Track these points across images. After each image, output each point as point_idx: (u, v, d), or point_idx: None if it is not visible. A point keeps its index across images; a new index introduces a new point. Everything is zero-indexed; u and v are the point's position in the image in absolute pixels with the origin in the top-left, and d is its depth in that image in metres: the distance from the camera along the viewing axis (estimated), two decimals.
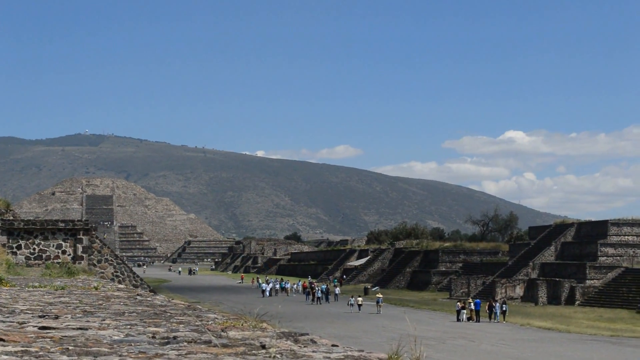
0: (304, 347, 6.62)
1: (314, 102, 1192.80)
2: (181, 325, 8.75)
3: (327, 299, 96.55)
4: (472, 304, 75.21)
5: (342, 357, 6.07)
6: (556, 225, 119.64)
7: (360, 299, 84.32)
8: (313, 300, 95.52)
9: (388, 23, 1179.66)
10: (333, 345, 6.73)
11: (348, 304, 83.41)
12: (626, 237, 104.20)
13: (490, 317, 72.10)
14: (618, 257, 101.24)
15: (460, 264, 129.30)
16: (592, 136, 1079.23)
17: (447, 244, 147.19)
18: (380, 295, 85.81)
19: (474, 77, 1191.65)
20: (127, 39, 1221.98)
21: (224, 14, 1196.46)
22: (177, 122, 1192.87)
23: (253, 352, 6.37)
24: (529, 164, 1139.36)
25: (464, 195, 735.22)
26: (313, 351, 6.34)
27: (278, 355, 6.09)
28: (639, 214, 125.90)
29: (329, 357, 6.02)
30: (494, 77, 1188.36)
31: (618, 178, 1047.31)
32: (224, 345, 6.79)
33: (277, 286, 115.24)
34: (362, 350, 6.44)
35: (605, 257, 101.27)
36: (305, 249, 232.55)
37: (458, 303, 76.24)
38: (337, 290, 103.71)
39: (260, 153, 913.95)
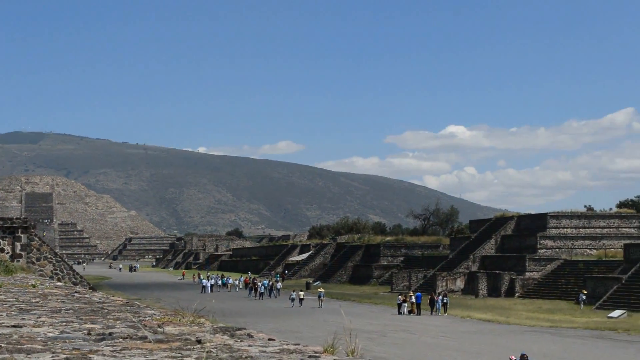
0: (240, 341, 6.62)
1: (255, 97, 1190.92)
2: (118, 322, 8.70)
3: (270, 295, 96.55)
4: (413, 297, 75.70)
5: (278, 350, 6.08)
6: (496, 219, 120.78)
7: (302, 293, 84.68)
8: (256, 295, 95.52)
9: (328, 17, 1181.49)
10: (270, 340, 6.74)
11: (289, 299, 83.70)
12: (565, 229, 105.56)
13: (432, 310, 72.59)
14: (557, 250, 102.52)
15: (402, 258, 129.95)
16: (532, 130, 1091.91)
17: (388, 238, 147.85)
18: (322, 290, 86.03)
19: (415, 72, 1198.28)
20: (65, 36, 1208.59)
21: (162, 11, 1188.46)
22: (118, 119, 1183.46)
23: (188, 347, 6.36)
24: (470, 158, 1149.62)
25: (405, 190, 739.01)
26: (249, 345, 6.35)
27: (213, 350, 6.08)
28: (578, 206, 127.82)
29: (265, 351, 6.03)
30: (435, 72, 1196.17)
31: (557, 171, 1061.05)
32: (160, 341, 6.76)
33: (220, 282, 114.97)
34: (299, 344, 6.45)
35: (545, 250, 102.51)
36: (247, 244, 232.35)
37: (399, 296, 76.68)
38: (279, 285, 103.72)
39: (201, 149, 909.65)
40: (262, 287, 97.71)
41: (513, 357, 28.51)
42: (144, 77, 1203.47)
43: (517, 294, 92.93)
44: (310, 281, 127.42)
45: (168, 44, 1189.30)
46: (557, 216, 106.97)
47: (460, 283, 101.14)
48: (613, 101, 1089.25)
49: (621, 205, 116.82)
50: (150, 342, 6.74)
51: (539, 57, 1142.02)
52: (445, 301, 72.75)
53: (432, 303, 73.50)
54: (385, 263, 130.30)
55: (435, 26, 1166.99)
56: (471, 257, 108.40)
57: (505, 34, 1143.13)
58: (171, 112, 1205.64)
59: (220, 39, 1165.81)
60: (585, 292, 79.02)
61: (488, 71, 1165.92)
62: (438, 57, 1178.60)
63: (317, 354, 6.00)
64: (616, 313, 67.04)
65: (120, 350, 6.25)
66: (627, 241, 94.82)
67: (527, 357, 28.53)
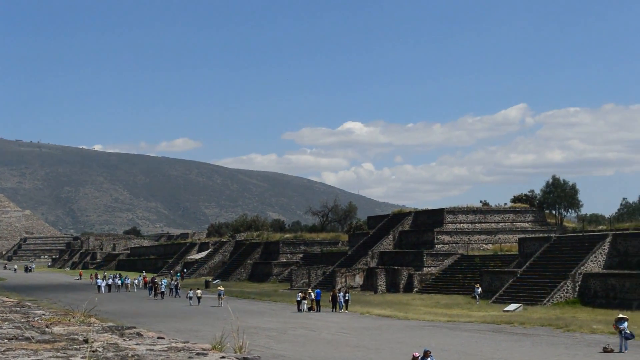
0: (129, 340, 6.31)
1: (151, 94, 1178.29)
2: (5, 323, 8.36)
3: (176, 294, 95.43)
4: (312, 294, 75.71)
5: (166, 348, 5.80)
6: (394, 215, 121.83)
7: (199, 292, 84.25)
8: (156, 295, 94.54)
9: (225, 14, 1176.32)
10: (159, 338, 6.45)
11: (187, 297, 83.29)
12: (461, 224, 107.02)
13: (334, 308, 72.57)
14: (454, 245, 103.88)
15: (301, 255, 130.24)
16: (428, 126, 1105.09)
17: (287, 235, 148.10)
18: (222, 288, 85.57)
19: (311, 68, 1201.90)
20: None
21: (57, 12, 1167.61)
22: (11, 116, 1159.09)
23: (74, 346, 6.06)
24: (367, 155, 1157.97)
25: (304, 187, 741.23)
26: (137, 344, 6.05)
27: (99, 349, 5.76)
28: (474, 201, 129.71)
29: (152, 350, 5.75)
30: (331, 69, 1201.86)
31: (453, 167, 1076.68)
32: (46, 341, 6.45)
33: (118, 282, 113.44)
34: (187, 342, 6.18)
35: (442, 245, 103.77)
36: (145, 243, 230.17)
37: (299, 293, 76.62)
38: (174, 284, 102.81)
39: (97, 147, 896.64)
40: (163, 286, 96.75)
41: (416, 353, 28.52)
42: (38, 73, 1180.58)
43: (415, 289, 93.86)
44: (210, 279, 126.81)
45: (63, 40, 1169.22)
46: (454, 211, 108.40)
47: (359, 279, 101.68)
48: (506, 97, 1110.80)
49: (515, 200, 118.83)
50: (37, 342, 6.42)
51: (434, 53, 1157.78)
52: (347, 298, 72.88)
53: (334, 300, 73.48)
54: (285, 260, 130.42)
55: (330, 23, 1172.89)
56: (370, 253, 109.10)
57: (399, 30, 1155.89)
58: (66, 109, 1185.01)
59: (116, 35, 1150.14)
60: (479, 286, 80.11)
61: (384, 67, 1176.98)
62: (333, 54, 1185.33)
63: (205, 352, 5.75)
64: (512, 306, 68.14)
65: (4, 351, 5.96)
66: (522, 235, 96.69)
67: (430, 353, 28.60)
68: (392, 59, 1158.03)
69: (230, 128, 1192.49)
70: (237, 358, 5.51)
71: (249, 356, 5.77)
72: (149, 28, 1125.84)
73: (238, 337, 6.24)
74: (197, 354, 5.66)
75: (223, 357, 5.61)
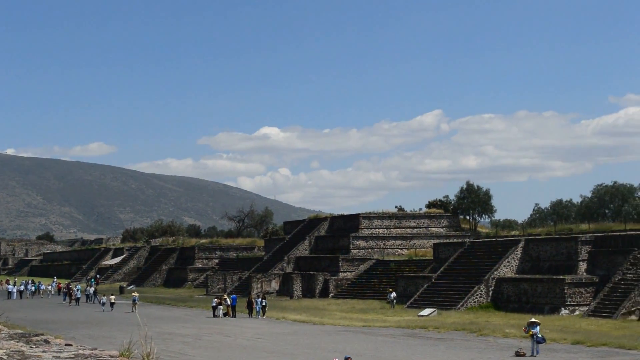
0: (35, 347, 6.13)
1: (65, 97, 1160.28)
2: None
3: (96, 299, 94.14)
4: (228, 299, 75.40)
5: (73, 356, 5.65)
6: (310, 220, 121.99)
7: (112, 297, 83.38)
8: (71, 301, 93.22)
9: (138, 16, 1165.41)
10: (67, 345, 6.27)
11: (100, 303, 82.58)
12: (377, 229, 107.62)
13: (250, 313, 72.29)
14: (369, 250, 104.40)
15: (217, 260, 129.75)
16: (345, 132, 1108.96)
17: (203, 241, 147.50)
18: (136, 294, 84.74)
19: (226, 73, 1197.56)
20: None
21: None
22: None
23: None
24: (283, 160, 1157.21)
25: (220, 192, 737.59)
26: (43, 351, 5.88)
27: (4, 357, 5.57)
28: (389, 207, 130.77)
29: (59, 357, 5.59)
30: (247, 73, 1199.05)
31: (369, 172, 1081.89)
32: None
33: (32, 288, 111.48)
34: (95, 349, 6.03)
35: (358, 250, 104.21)
36: (59, 248, 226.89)
37: (214, 299, 76.27)
38: (92, 290, 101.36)
39: (10, 151, 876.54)
40: (78, 292, 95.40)
41: (336, 359, 28.54)
42: None
43: (331, 295, 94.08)
44: (125, 285, 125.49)
45: None
46: (369, 217, 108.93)
47: (275, 284, 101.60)
48: (422, 103, 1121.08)
49: (430, 205, 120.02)
50: None
51: (350, 58, 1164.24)
52: (264, 304, 72.65)
53: (250, 306, 73.21)
54: (200, 266, 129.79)
55: (246, 26, 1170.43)
56: (286, 258, 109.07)
57: (315, 34, 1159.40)
58: None
59: (27, 35, 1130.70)
60: (391, 290, 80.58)
61: (300, 72, 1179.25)
62: (249, 58, 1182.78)
63: (112, 358, 5.60)
64: (426, 311, 68.71)
65: None
66: (436, 240, 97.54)
67: (350, 359, 28.61)
68: (308, 64, 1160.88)
69: (146, 133, 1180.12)
70: None
71: None
72: (62, 28, 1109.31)
73: (146, 343, 6.11)
74: None
75: None
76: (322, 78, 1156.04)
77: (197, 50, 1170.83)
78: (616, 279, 64.89)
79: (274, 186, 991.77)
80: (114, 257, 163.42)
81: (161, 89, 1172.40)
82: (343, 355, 31.34)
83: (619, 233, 74.68)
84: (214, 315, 72.30)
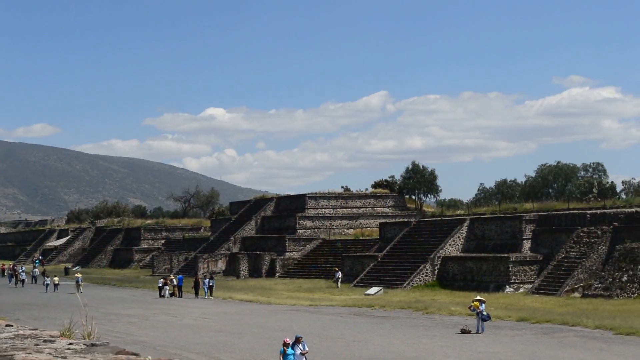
0: None
1: (7, 78, 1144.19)
2: None
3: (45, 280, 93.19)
4: (174, 280, 75.11)
5: (13, 336, 5.53)
6: (256, 200, 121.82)
7: (56, 279, 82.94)
8: (17, 283, 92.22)
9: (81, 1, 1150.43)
10: (7, 325, 6.15)
11: (44, 284, 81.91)
12: (323, 209, 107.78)
13: (197, 294, 72.00)
14: (316, 230, 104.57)
15: (163, 241, 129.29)
16: (290, 113, 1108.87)
17: (149, 222, 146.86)
18: (80, 275, 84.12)
19: (169, 53, 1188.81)
20: None
21: None
22: None
23: None
24: (229, 141, 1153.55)
25: (165, 173, 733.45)
26: None
27: None
28: (335, 187, 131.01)
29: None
30: (192, 53, 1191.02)
31: (315, 153, 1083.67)
32: None
33: None
34: (36, 329, 5.91)
35: (304, 230, 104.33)
36: (3, 230, 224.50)
37: (160, 279, 75.94)
38: (37, 271, 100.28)
39: None
40: (23, 273, 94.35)
41: (288, 339, 28.45)
42: None
43: (277, 274, 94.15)
44: (70, 266, 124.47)
45: None
46: (315, 197, 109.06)
47: (221, 265, 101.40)
48: (367, 84, 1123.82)
49: (376, 185, 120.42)
50: None
51: (296, 39, 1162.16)
52: (211, 284, 72.37)
53: (196, 286, 72.94)
54: (146, 246, 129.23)
55: (192, 6, 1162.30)
56: (232, 238, 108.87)
57: (262, 14, 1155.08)
58: None
59: None
60: (337, 269, 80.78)
61: (246, 53, 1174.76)
62: (194, 39, 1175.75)
63: (53, 338, 5.51)
64: (373, 290, 68.98)
65: None
66: (382, 220, 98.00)
67: (301, 339, 28.55)
68: (254, 44, 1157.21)
69: (90, 113, 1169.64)
70: (85, 344, 5.31)
71: (97, 342, 5.57)
72: (4, 9, 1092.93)
73: (87, 323, 6.01)
74: (45, 340, 5.42)
75: (71, 343, 5.38)
76: (268, 59, 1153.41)
77: (141, 31, 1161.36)
78: (559, 257, 65.68)
79: (220, 167, 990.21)
80: (58, 238, 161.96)
81: (106, 70, 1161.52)
82: (293, 334, 31.33)
83: (562, 212, 75.56)
84: (160, 296, 71.99)
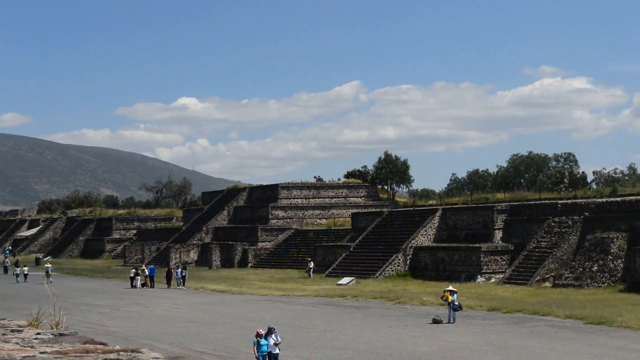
0: None
1: None
2: None
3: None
4: (146, 270, 74.87)
5: None
6: (229, 190, 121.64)
7: (25, 269, 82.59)
8: None
9: None
10: None
11: (14, 275, 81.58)
12: (295, 200, 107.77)
13: (169, 284, 71.77)
14: (288, 220, 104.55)
15: (135, 231, 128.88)
16: (263, 102, 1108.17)
17: (121, 212, 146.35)
18: (50, 265, 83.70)
19: (142, 43, 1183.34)
20: None
21: None
22: None
23: None
24: (202, 130, 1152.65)
25: (138, 163, 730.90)
26: None
27: None
28: (308, 177, 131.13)
29: None
30: (165, 43, 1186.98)
31: (288, 143, 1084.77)
32: None
33: None
34: (4, 318, 5.86)
35: (276, 220, 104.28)
36: None
37: (132, 270, 75.67)
38: (8, 262, 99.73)
39: None
40: None
41: (260, 330, 28.42)
42: None
43: (250, 264, 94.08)
44: (41, 256, 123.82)
45: None
46: (288, 187, 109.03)
47: (194, 255, 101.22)
48: (340, 74, 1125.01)
49: (349, 175, 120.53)
50: None
51: (268, 29, 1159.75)
52: (184, 274, 72.17)
53: (168, 276, 72.68)
54: (118, 236, 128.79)
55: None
56: (204, 228, 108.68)
57: (234, 4, 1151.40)
58: None
59: None
60: (310, 259, 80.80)
61: (219, 43, 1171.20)
62: (167, 28, 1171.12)
63: (20, 328, 5.46)
64: (345, 280, 69.05)
65: None
66: (355, 210, 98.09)
67: (274, 330, 28.53)
68: (226, 34, 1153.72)
69: (62, 103, 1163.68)
70: (52, 334, 5.27)
71: (65, 332, 5.54)
72: None
73: (55, 313, 5.97)
74: (12, 330, 5.38)
75: (38, 333, 5.35)
76: (241, 48, 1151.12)
77: (115, 20, 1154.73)
78: (531, 247, 66.03)
79: (193, 157, 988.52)
80: (29, 228, 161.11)
81: (78, 59, 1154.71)
82: (265, 325, 31.34)
83: (533, 202, 75.98)
84: (132, 286, 71.75)
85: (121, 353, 4.06)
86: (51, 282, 73.35)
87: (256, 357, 28.05)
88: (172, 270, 74.59)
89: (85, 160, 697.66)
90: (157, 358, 3.93)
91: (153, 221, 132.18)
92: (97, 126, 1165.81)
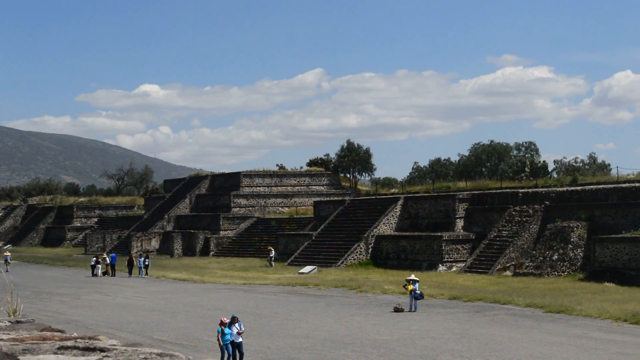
0: None
1: None
2: None
3: None
4: (107, 258, 74.47)
5: None
6: (191, 178, 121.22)
7: None
8: None
9: None
10: None
11: None
12: (258, 188, 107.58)
13: (130, 272, 71.45)
14: (250, 208, 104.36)
15: (96, 219, 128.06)
16: (226, 90, 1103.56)
17: (82, 199, 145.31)
18: (9, 254, 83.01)
19: (105, 29, 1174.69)
20: None
21: None
22: None
23: None
24: (164, 118, 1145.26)
25: (99, 150, 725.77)
26: None
27: None
28: (271, 165, 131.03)
29: None
30: (126, 28, 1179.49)
31: (251, 130, 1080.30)
32: None
33: None
34: None
35: (239, 208, 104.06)
36: None
37: (93, 258, 75.22)
38: None
39: None
40: None
41: (225, 319, 28.34)
42: None
43: (212, 253, 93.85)
44: (0, 244, 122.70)
45: None
46: (250, 175, 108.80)
47: (155, 243, 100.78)
48: (303, 62, 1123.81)
49: (311, 163, 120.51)
50: None
51: (231, 15, 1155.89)
52: (147, 262, 71.85)
53: (130, 264, 72.31)
54: (79, 224, 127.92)
55: None
56: (166, 216, 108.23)
57: None
58: None
59: None
60: (271, 248, 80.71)
61: (181, 29, 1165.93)
62: (128, 14, 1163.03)
63: None
64: (307, 269, 69.09)
65: None
66: (317, 198, 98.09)
67: (237, 319, 28.48)
68: (188, 20, 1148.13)
69: (22, 89, 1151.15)
70: (9, 321, 5.21)
71: (22, 319, 5.47)
72: None
73: (12, 301, 5.90)
74: None
75: None
76: (203, 35, 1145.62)
77: (76, 5, 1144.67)
78: (492, 236, 66.43)
79: (155, 144, 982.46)
80: None
81: (38, 44, 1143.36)
82: (227, 313, 31.29)
83: (495, 191, 76.32)
84: (93, 275, 71.36)
85: (78, 340, 4.02)
86: (7, 271, 72.64)
87: (220, 345, 28.02)
88: (134, 258, 74.23)
89: (45, 147, 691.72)
90: (114, 345, 3.89)
91: (114, 209, 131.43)
92: (58, 113, 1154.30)
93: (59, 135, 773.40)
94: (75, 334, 4.25)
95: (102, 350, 3.80)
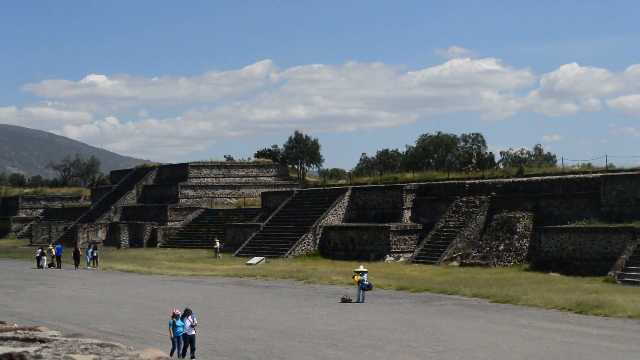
0: None
1: None
2: None
3: None
4: (53, 250, 73.78)
5: None
6: (138, 169, 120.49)
7: None
8: None
9: None
10: None
11: None
12: (205, 179, 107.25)
13: (76, 264, 70.79)
14: (198, 199, 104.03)
15: (42, 210, 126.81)
16: (174, 80, 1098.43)
17: (27, 190, 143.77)
18: None
19: (52, 18, 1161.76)
20: None
21: None
22: None
23: None
24: (111, 108, 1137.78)
25: (45, 141, 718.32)
26: None
27: None
28: (218, 156, 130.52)
29: None
30: (73, 18, 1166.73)
31: (199, 122, 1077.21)
32: None
33: None
34: None
35: (186, 199, 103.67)
36: None
37: (39, 249, 74.48)
38: None
39: None
40: None
41: (177, 311, 28.20)
42: None
43: (159, 244, 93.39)
44: None
45: None
46: (198, 166, 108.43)
47: (102, 234, 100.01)
48: (251, 53, 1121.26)
49: (259, 155, 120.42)
50: None
51: (179, 6, 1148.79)
52: (95, 254, 71.24)
53: (76, 256, 71.62)
54: (24, 216, 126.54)
55: None
56: (113, 208, 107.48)
57: None
58: None
59: None
60: (217, 239, 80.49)
61: (128, 19, 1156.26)
62: (75, 4, 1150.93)
63: None
64: (255, 260, 68.99)
65: None
66: (265, 190, 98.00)
67: (191, 311, 28.36)
68: (136, 10, 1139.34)
69: None
70: None
71: None
72: None
73: None
74: None
75: None
76: (150, 25, 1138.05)
77: None
78: (439, 227, 66.83)
79: (101, 135, 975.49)
80: None
81: None
82: (174, 305, 31.18)
83: (442, 182, 76.73)
84: (39, 266, 70.67)
85: (18, 331, 3.94)
86: None
87: (171, 338, 27.88)
88: (81, 250, 73.59)
89: None
90: (54, 335, 3.83)
91: (60, 200, 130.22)
92: (3, 103, 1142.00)
93: (4, 125, 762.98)
94: (15, 325, 4.17)
95: (42, 341, 3.73)
